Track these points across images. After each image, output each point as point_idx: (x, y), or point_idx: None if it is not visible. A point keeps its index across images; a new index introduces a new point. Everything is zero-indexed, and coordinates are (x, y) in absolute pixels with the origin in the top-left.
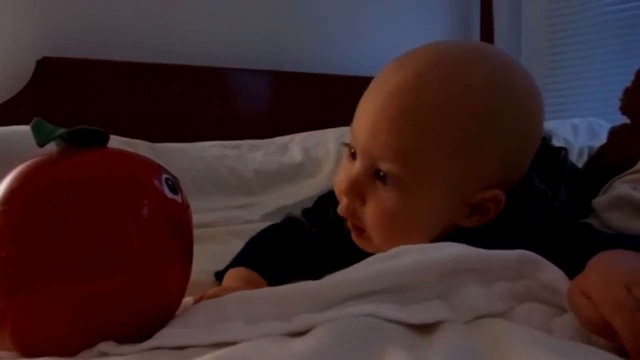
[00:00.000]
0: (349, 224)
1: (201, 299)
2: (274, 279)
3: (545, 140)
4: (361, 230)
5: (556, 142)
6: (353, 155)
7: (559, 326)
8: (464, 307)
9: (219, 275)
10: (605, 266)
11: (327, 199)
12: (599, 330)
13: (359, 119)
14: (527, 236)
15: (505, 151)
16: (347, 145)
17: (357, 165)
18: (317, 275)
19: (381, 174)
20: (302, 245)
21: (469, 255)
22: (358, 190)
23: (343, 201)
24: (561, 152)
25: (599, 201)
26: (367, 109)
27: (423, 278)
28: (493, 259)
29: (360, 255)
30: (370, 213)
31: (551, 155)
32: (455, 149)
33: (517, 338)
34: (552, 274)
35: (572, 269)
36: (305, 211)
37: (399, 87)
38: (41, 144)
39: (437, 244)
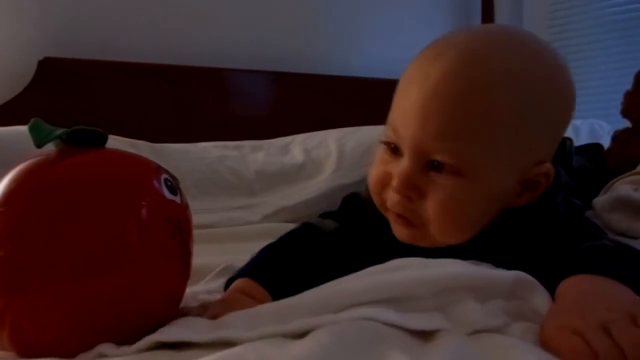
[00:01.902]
0: (393, 215)
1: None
2: (279, 291)
3: None
4: (409, 222)
5: None
6: (394, 150)
7: None
8: (462, 320)
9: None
10: (559, 311)
11: (352, 200)
12: None
13: (402, 113)
14: (550, 227)
15: (551, 124)
16: (386, 143)
17: (406, 160)
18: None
19: (436, 164)
20: (319, 250)
21: (467, 273)
22: (413, 185)
23: (395, 197)
24: (566, 142)
25: (600, 201)
26: (411, 101)
27: (421, 292)
28: (490, 278)
29: (387, 253)
30: (432, 205)
31: (559, 146)
32: (509, 126)
33: (518, 350)
34: (542, 298)
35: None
36: (329, 214)
37: (444, 73)
38: (39, 144)
39: (438, 260)
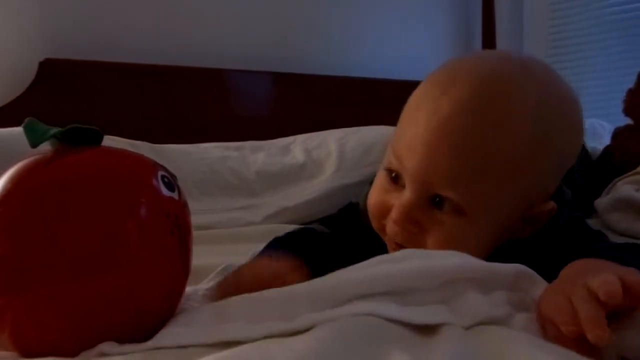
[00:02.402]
0: (391, 242)
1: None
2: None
3: None
4: None
5: None
6: (395, 179)
7: None
8: (465, 311)
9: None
10: (555, 283)
11: (348, 212)
12: (563, 344)
13: (408, 144)
14: (553, 242)
15: (559, 163)
16: (388, 170)
17: (409, 193)
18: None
19: (437, 199)
20: (323, 247)
21: (471, 265)
22: (413, 219)
23: (394, 227)
24: None
25: (602, 202)
26: (418, 133)
27: (424, 283)
28: (493, 270)
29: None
30: (432, 241)
31: None
32: (521, 166)
33: (519, 343)
34: (543, 289)
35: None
36: (325, 221)
37: (454, 110)
38: (34, 144)
39: (443, 251)
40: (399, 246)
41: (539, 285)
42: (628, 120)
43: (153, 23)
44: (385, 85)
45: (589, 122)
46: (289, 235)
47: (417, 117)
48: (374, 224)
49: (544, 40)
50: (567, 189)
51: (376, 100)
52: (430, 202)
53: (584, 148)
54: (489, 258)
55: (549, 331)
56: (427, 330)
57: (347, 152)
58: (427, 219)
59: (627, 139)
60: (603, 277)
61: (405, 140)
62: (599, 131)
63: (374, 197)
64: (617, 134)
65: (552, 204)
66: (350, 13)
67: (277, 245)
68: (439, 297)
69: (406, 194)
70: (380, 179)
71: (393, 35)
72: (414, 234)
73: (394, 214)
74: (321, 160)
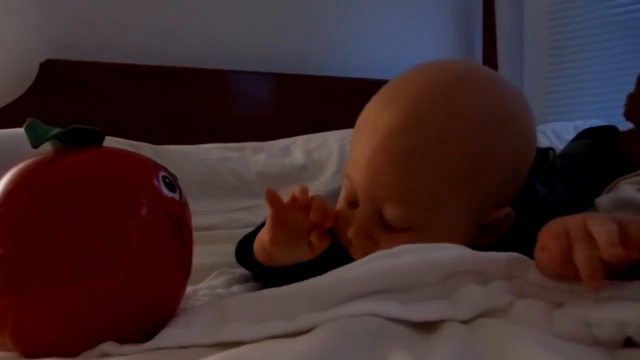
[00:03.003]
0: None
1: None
2: None
3: None
4: None
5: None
6: (351, 204)
7: (559, 317)
8: (467, 303)
9: (240, 251)
10: (554, 221)
11: None
12: (551, 271)
13: (355, 162)
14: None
15: (510, 170)
16: (346, 176)
17: (361, 211)
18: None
19: (387, 217)
20: None
21: (467, 256)
22: (368, 235)
23: (353, 243)
24: (549, 153)
25: (603, 201)
26: (363, 151)
27: (425, 279)
28: (487, 260)
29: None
30: None
31: (541, 157)
32: (464, 180)
33: (519, 338)
34: (537, 273)
35: None
36: None
37: (397, 126)
38: (35, 144)
39: (438, 244)
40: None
41: (533, 270)
42: (629, 125)
43: (153, 24)
44: None
45: (590, 123)
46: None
47: (361, 135)
48: (341, 238)
49: (544, 41)
50: (542, 188)
51: None
52: (381, 217)
53: (588, 143)
54: None
55: (542, 258)
56: (429, 327)
57: (348, 153)
58: (380, 235)
59: (631, 143)
60: (606, 226)
61: (353, 158)
62: None
63: (337, 211)
64: (621, 139)
65: (506, 210)
66: (350, 14)
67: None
68: (439, 292)
69: (360, 211)
70: (342, 190)
71: (393, 35)
72: (371, 247)
73: (350, 232)
74: (322, 161)
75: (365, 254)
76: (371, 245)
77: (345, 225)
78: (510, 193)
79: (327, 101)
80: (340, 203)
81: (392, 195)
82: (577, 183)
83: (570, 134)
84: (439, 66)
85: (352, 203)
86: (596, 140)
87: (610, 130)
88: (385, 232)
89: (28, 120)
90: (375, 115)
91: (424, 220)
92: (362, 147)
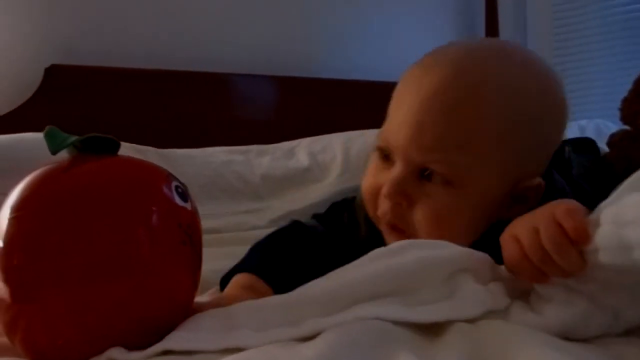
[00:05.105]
0: (385, 226)
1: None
2: (281, 285)
3: None
4: (401, 232)
5: None
6: (386, 158)
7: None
8: (470, 303)
9: (224, 282)
10: (530, 213)
11: (341, 206)
12: (517, 267)
13: (395, 123)
14: None
15: (542, 139)
16: (379, 148)
17: (399, 167)
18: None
19: (427, 172)
20: (310, 247)
21: (465, 254)
22: (404, 192)
23: (385, 204)
24: (565, 148)
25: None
26: (404, 111)
27: (427, 280)
28: (482, 259)
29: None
30: (422, 213)
31: (558, 151)
32: (504, 138)
33: (525, 340)
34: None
35: None
36: (317, 216)
37: (436, 86)
38: (54, 151)
39: (436, 241)
40: (395, 231)
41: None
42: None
43: (158, 29)
44: (389, 88)
45: (594, 123)
46: (274, 241)
47: (403, 99)
48: (369, 210)
49: (547, 42)
50: (559, 178)
51: (381, 103)
52: (420, 175)
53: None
54: (481, 238)
55: (511, 249)
56: (434, 329)
57: (352, 155)
58: (417, 191)
59: (628, 148)
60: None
61: (393, 121)
62: (604, 132)
63: (366, 181)
64: (616, 143)
65: (538, 180)
66: (353, 16)
67: (256, 256)
68: (442, 293)
69: (396, 169)
70: (372, 161)
71: (397, 37)
72: (405, 208)
73: (384, 189)
74: (326, 163)
75: (395, 216)
76: (406, 204)
77: (375, 191)
78: (542, 161)
79: (331, 104)
80: (370, 172)
81: (439, 145)
82: (587, 191)
83: (574, 134)
84: (479, 39)
85: (386, 165)
86: (587, 156)
87: (590, 143)
88: (422, 189)
89: (47, 127)
90: (417, 80)
91: (463, 178)
92: (404, 107)
